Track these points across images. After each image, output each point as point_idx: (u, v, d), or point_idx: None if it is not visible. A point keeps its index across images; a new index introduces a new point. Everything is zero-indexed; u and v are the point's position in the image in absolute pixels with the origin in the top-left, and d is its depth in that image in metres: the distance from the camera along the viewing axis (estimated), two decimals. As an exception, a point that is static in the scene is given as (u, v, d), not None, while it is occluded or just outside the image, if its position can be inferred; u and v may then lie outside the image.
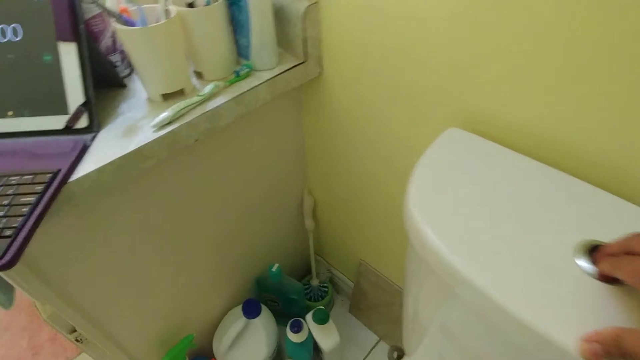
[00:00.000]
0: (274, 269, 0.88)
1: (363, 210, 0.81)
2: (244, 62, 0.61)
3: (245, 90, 0.57)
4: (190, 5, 0.52)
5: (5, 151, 0.47)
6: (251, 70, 0.60)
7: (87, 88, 0.49)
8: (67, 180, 0.43)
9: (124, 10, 0.50)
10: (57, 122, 0.49)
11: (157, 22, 0.49)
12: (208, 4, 0.52)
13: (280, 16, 0.60)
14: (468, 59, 0.45)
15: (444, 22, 0.45)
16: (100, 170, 0.46)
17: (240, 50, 0.60)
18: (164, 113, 0.51)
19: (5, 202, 0.40)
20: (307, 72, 0.64)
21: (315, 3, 0.58)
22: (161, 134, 0.50)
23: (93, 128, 0.50)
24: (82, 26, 0.48)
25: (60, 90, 0.48)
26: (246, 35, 0.57)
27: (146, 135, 0.49)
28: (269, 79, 0.59)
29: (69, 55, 0.48)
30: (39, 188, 0.41)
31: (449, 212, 0.39)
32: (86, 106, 0.49)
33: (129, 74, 0.61)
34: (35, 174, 0.43)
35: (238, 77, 0.58)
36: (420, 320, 0.52)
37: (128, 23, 0.49)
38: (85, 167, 0.45)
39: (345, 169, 0.78)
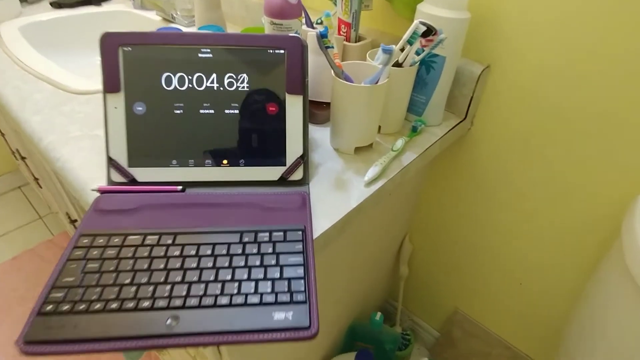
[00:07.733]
0: (377, 318, 0.86)
1: (473, 262, 0.82)
2: (414, 117, 0.62)
3: (428, 146, 0.58)
4: (397, 65, 0.54)
5: (234, 203, 0.45)
6: (424, 126, 0.61)
7: (305, 140, 0.48)
8: (312, 236, 0.42)
9: (340, 65, 0.51)
10: (272, 173, 0.48)
11: (358, 80, 0.50)
12: (413, 64, 0.54)
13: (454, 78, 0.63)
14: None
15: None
16: (334, 227, 0.45)
17: (413, 106, 0.62)
18: (374, 168, 0.51)
19: (273, 261, 0.38)
20: (462, 128, 0.66)
21: (488, 67, 0.61)
22: (373, 189, 0.50)
23: (305, 180, 0.49)
24: (307, 79, 0.48)
25: (280, 142, 0.48)
26: (427, 94, 0.59)
27: (360, 191, 0.49)
28: (443, 135, 0.60)
29: (294, 107, 0.48)
30: (298, 247, 0.40)
31: None
32: (302, 158, 0.48)
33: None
34: (284, 230, 0.42)
35: (415, 132, 0.59)
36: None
37: (347, 79, 0.50)
38: (322, 224, 0.44)
39: (466, 221, 0.79)
